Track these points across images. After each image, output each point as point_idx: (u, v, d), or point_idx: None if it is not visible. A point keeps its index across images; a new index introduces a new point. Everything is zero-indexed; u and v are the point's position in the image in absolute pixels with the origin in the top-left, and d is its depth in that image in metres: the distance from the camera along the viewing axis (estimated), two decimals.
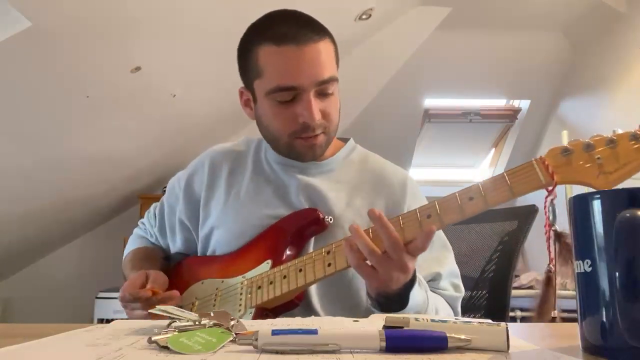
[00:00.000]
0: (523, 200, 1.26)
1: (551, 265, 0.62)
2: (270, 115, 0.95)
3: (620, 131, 0.69)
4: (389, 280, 0.77)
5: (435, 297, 0.93)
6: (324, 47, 0.91)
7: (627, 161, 0.67)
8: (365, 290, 0.85)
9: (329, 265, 0.82)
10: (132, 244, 1.16)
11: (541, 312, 0.65)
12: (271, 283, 0.87)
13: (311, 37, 0.90)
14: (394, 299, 0.79)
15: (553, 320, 0.64)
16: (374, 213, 0.75)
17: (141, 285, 0.91)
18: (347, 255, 0.78)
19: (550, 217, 0.67)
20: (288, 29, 0.90)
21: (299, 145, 0.95)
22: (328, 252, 0.83)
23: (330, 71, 0.92)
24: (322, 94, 0.92)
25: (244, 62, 0.97)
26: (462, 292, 0.99)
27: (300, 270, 0.85)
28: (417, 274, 0.83)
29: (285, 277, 0.86)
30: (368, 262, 0.76)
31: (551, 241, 0.65)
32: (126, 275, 1.05)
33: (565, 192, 2.04)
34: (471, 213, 0.75)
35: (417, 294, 0.83)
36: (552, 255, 0.65)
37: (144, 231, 1.18)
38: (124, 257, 1.14)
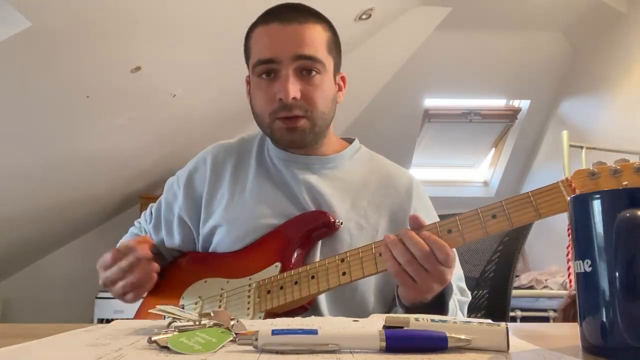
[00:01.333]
0: None
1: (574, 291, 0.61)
2: (255, 94, 0.96)
3: None
4: (427, 292, 0.76)
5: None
6: (311, 29, 0.92)
7: None
8: (395, 298, 0.83)
9: (344, 274, 0.81)
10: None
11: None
12: (281, 288, 0.85)
13: (297, 18, 0.92)
14: (430, 307, 0.78)
15: None
16: (401, 231, 0.75)
17: (112, 258, 0.92)
18: (386, 262, 0.76)
19: None
20: (279, 11, 0.93)
21: (278, 127, 0.93)
22: (342, 260, 0.81)
23: (312, 50, 0.91)
24: (304, 74, 0.91)
25: (244, 50, 0.99)
26: (469, 297, 0.97)
27: (313, 277, 0.83)
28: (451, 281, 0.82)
29: (296, 283, 0.84)
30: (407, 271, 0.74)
31: (572, 263, 0.63)
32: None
33: None
34: (494, 231, 0.74)
35: (450, 301, 0.83)
36: (573, 277, 0.63)
37: (138, 229, 1.15)
38: None
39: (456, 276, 0.96)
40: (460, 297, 0.95)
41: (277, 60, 0.90)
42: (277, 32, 0.91)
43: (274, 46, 0.91)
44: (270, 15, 0.94)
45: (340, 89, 1.01)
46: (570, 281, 0.62)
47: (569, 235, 0.62)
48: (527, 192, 0.73)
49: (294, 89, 0.89)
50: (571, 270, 0.61)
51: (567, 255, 0.62)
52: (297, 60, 0.90)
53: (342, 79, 1.02)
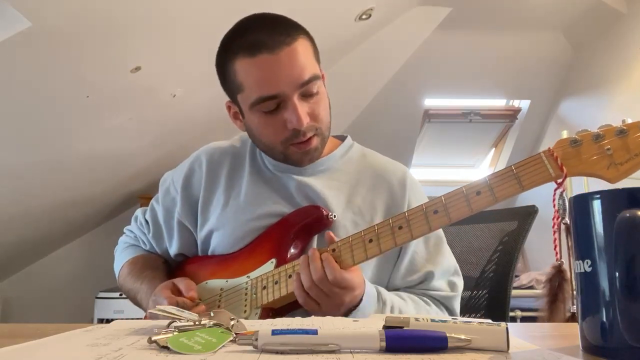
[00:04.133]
0: (523, 201, 1.26)
1: (562, 260, 0.60)
2: (259, 126, 0.93)
3: (629, 121, 0.67)
4: (334, 314, 0.78)
5: (408, 303, 0.92)
6: (299, 47, 0.89)
7: (639, 151, 0.65)
8: None
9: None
10: (124, 256, 1.09)
11: (552, 310, 0.61)
12: (276, 283, 0.86)
13: (283, 41, 0.87)
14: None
15: (567, 320, 0.59)
16: (310, 251, 0.80)
17: (173, 291, 0.88)
18: (295, 290, 0.81)
19: (560, 210, 0.63)
20: (259, 36, 0.87)
21: (293, 152, 0.94)
22: (333, 250, 0.82)
23: (310, 70, 0.89)
24: (307, 95, 0.90)
25: (223, 78, 0.95)
26: (459, 290, 0.98)
27: None
28: (378, 290, 0.87)
29: (290, 276, 0.85)
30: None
31: (557, 235, 0.62)
32: (129, 288, 1.01)
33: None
34: (479, 208, 0.74)
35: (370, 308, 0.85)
36: (559, 249, 0.62)
37: (134, 239, 1.12)
38: (118, 271, 1.08)
39: (443, 270, 0.97)
40: (448, 293, 0.96)
41: (281, 94, 0.88)
42: (271, 65, 0.87)
43: (273, 81, 0.87)
44: (253, 44, 0.87)
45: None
46: (556, 253, 0.62)
47: (554, 205, 0.62)
48: (510, 166, 0.73)
49: (305, 116, 0.89)
50: (557, 242, 0.61)
51: (553, 226, 0.62)
52: (300, 87, 0.89)
53: (323, 77, 1.01)
